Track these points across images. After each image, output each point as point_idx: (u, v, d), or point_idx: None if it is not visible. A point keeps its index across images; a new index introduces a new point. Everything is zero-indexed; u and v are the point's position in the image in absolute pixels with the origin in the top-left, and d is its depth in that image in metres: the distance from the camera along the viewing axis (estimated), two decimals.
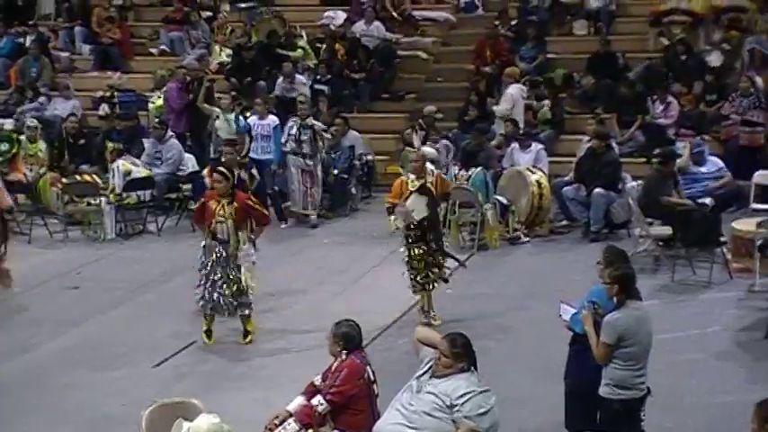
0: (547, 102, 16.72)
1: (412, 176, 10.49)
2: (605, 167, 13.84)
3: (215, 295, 10.05)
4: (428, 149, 11.08)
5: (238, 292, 10.04)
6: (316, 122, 14.89)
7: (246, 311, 10.25)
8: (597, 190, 13.63)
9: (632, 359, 6.83)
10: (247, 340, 10.33)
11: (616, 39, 18.07)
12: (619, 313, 6.82)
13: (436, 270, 10.60)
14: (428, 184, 10.37)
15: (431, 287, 10.64)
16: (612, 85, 16.96)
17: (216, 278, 10.01)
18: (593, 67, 17.38)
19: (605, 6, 18.60)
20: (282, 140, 14.82)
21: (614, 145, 14.80)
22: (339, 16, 19.26)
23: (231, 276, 10.00)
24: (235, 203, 9.93)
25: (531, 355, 9.64)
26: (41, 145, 15.94)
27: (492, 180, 13.97)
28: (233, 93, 16.66)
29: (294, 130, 14.67)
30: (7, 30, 19.96)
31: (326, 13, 19.43)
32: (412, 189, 10.35)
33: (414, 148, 10.99)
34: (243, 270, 9.99)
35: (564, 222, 14.36)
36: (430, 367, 6.49)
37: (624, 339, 6.78)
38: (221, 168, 10.25)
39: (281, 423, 6.84)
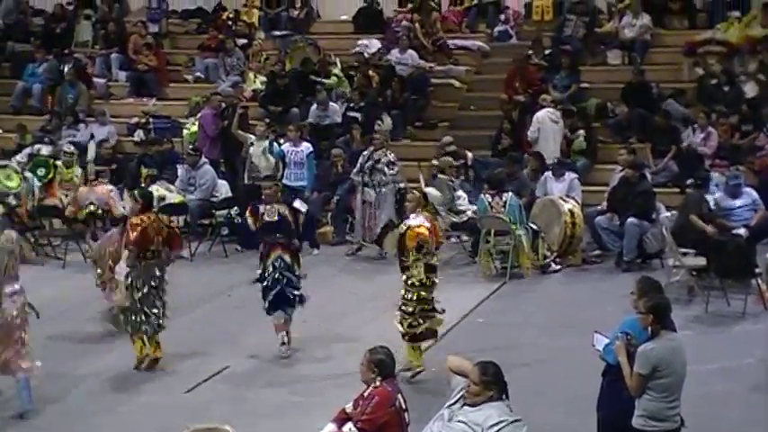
0: (582, 132, 16.68)
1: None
2: (639, 197, 13.80)
3: None
4: (430, 190, 10.96)
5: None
6: (386, 155, 14.63)
7: (136, 331, 10.51)
8: (630, 219, 13.57)
9: (666, 390, 6.78)
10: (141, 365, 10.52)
11: (650, 69, 18.01)
12: (653, 343, 6.78)
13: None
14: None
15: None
16: (646, 114, 16.92)
17: None
18: (626, 96, 17.34)
19: (640, 36, 18.58)
20: (354, 170, 14.81)
21: (648, 174, 14.75)
22: (373, 44, 19.34)
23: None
24: None
25: (563, 385, 9.58)
26: (77, 170, 16.08)
27: (524, 208, 13.97)
28: (267, 120, 16.75)
29: (363, 160, 14.65)
30: (46, 56, 20.18)
31: (360, 41, 19.52)
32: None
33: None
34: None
35: (597, 252, 14.30)
36: (461, 396, 6.47)
37: (658, 370, 6.73)
38: (134, 192, 11.01)
39: None
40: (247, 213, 10.95)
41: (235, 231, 15.26)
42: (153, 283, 10.50)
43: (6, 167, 15.15)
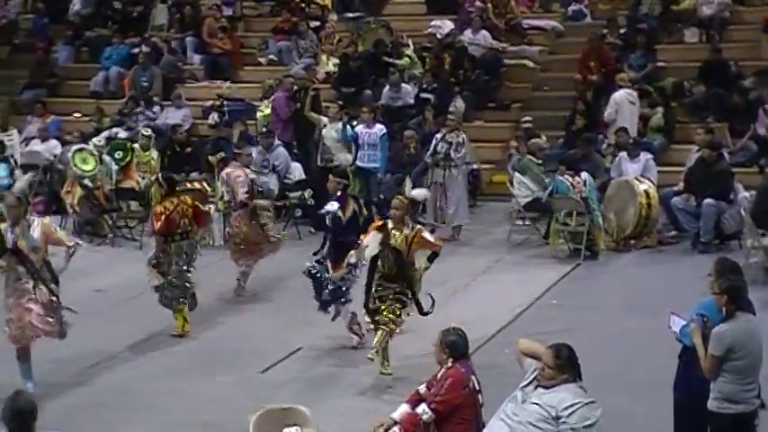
0: (660, 109, 16.47)
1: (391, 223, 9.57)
2: (716, 177, 13.59)
3: None
4: (417, 192, 10.70)
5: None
6: (459, 136, 14.60)
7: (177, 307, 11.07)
8: (707, 200, 13.38)
9: (741, 372, 6.68)
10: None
11: (728, 46, 17.68)
12: (727, 325, 6.68)
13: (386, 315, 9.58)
14: (396, 232, 9.48)
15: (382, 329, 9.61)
16: (724, 93, 16.63)
17: None
18: (704, 75, 17.05)
19: (718, 13, 18.24)
20: (428, 152, 14.77)
21: (725, 154, 14.52)
22: (446, 25, 19.25)
23: None
24: None
25: (638, 367, 9.50)
26: (154, 153, 16.27)
27: (598, 190, 13.87)
28: (339, 102, 16.79)
29: (436, 142, 14.59)
30: (123, 40, 20.44)
31: (433, 23, 19.44)
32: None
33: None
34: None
35: (673, 233, 14.14)
36: (534, 378, 6.46)
37: (733, 352, 6.63)
38: (158, 176, 11.52)
39: (385, 431, 6.87)
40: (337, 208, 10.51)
41: (308, 213, 15.34)
42: (181, 262, 10.93)
43: (83, 151, 15.37)
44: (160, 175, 11.81)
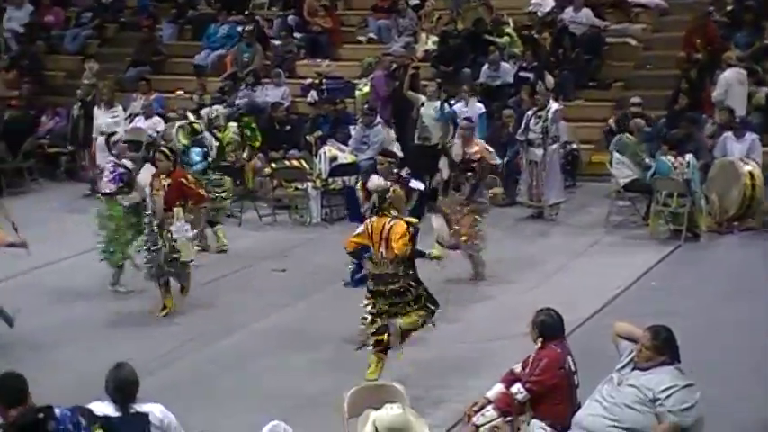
0: (765, 89, 16.05)
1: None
2: None
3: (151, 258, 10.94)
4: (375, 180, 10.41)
5: (169, 261, 10.79)
6: (551, 111, 14.41)
7: (178, 282, 11.09)
8: None
9: None
10: (162, 313, 10.97)
11: None
12: None
13: None
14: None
15: None
16: None
17: (151, 246, 10.87)
18: None
19: None
20: (520, 130, 14.67)
21: None
22: (547, 3, 19.05)
23: (159, 245, 10.77)
24: (169, 180, 10.78)
25: (739, 354, 9.30)
26: (232, 128, 16.10)
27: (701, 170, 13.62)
28: (438, 80, 16.74)
29: (527, 120, 14.48)
30: (227, 18, 20.65)
31: (534, 0, 19.26)
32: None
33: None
34: (178, 243, 10.73)
35: None
36: (631, 359, 6.39)
37: None
38: (162, 148, 11.32)
39: (479, 409, 6.86)
40: (359, 186, 10.71)
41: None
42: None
43: (185, 128, 15.53)
44: (164, 147, 11.88)
